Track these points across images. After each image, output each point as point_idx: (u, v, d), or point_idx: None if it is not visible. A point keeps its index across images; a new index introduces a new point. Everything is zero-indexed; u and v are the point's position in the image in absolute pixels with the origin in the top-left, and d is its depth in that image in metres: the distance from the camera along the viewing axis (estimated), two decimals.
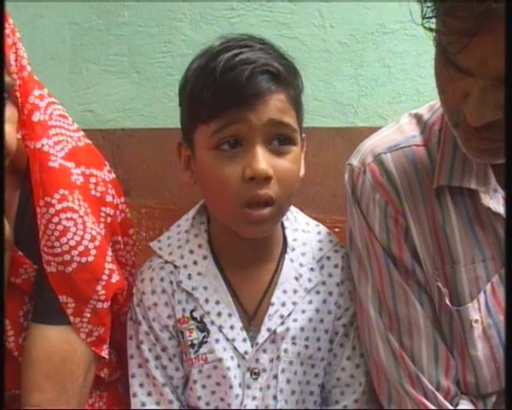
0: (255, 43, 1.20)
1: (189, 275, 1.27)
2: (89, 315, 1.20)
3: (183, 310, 1.26)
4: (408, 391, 1.17)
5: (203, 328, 1.25)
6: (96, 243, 1.19)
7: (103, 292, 1.20)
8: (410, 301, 1.18)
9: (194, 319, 1.26)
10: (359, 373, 1.28)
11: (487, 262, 1.16)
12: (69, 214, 1.16)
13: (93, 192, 1.22)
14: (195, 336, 1.25)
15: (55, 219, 1.15)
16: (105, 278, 1.20)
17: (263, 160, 1.15)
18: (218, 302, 1.26)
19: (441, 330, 1.19)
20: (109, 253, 1.23)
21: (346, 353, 1.28)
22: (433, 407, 1.16)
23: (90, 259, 1.18)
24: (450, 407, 1.16)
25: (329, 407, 1.29)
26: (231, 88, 1.14)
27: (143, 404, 1.26)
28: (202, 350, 1.25)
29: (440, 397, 1.16)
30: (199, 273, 1.27)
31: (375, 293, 1.21)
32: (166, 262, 1.29)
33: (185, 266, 1.27)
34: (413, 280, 1.19)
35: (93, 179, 1.23)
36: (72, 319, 1.19)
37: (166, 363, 1.26)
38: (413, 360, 1.18)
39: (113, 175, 1.29)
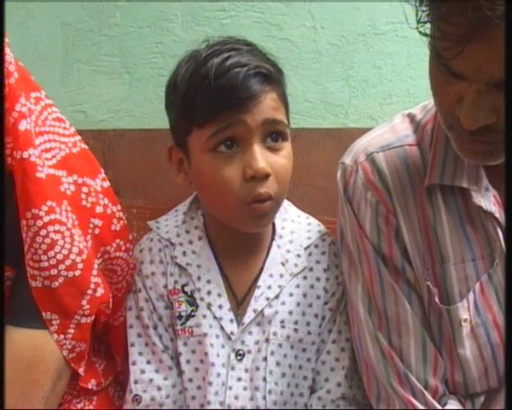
0: (242, 45, 1.24)
1: (184, 252, 1.31)
2: (73, 331, 1.18)
3: (175, 282, 1.30)
4: (396, 390, 1.18)
5: (192, 302, 1.28)
6: (84, 256, 1.17)
7: (88, 307, 1.18)
8: (399, 300, 1.19)
9: (184, 292, 1.29)
10: (343, 357, 1.29)
11: (477, 261, 1.16)
12: (57, 227, 1.14)
13: (83, 203, 1.20)
14: (184, 308, 1.28)
15: (43, 232, 1.12)
16: (90, 292, 1.18)
17: (261, 158, 1.18)
18: (209, 281, 1.29)
19: (430, 330, 1.19)
20: (95, 266, 1.20)
21: (331, 336, 1.30)
22: (421, 407, 1.16)
23: (77, 273, 1.16)
24: (439, 407, 1.17)
25: (315, 391, 1.30)
26: (226, 92, 1.17)
27: (143, 371, 1.28)
28: (189, 323, 1.27)
29: (428, 396, 1.17)
30: (193, 252, 1.31)
31: (365, 292, 1.22)
32: (163, 238, 1.33)
33: (181, 244, 1.32)
34: (403, 279, 1.19)
35: (85, 189, 1.21)
36: (55, 336, 1.17)
37: (162, 332, 1.29)
38: (401, 358, 1.18)
39: (107, 183, 1.26)
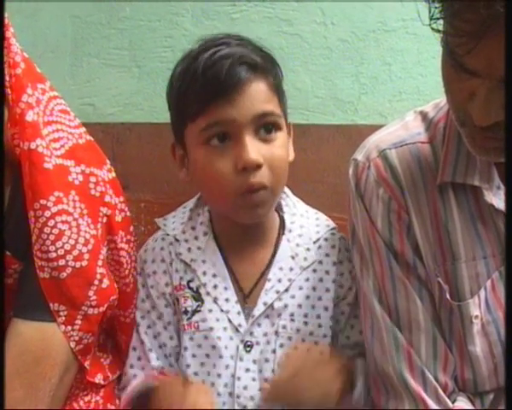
0: (232, 40, 1.26)
1: (189, 248, 1.33)
2: (80, 322, 1.18)
3: (181, 278, 1.31)
4: (408, 383, 1.17)
5: (198, 297, 1.30)
6: (90, 246, 1.18)
7: (94, 297, 1.19)
8: (410, 296, 1.18)
9: (190, 288, 1.30)
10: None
11: (488, 259, 1.16)
12: (64, 217, 1.15)
13: (92, 192, 1.21)
14: (190, 303, 1.30)
15: (51, 223, 1.13)
16: (96, 282, 1.19)
17: (252, 150, 1.20)
18: (214, 275, 1.30)
19: (440, 326, 1.19)
20: (101, 256, 1.21)
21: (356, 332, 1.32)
22: (430, 402, 1.16)
23: (84, 263, 1.17)
24: (450, 404, 1.16)
25: None
26: (212, 83, 1.20)
27: (131, 366, 1.32)
28: (195, 318, 1.29)
29: (441, 393, 1.16)
30: (198, 248, 1.33)
31: (376, 287, 1.21)
32: (168, 235, 1.35)
33: (186, 241, 1.34)
34: (414, 276, 1.19)
35: (93, 179, 1.22)
36: (63, 328, 1.17)
37: (161, 330, 1.31)
38: None
39: (112, 174, 1.28)
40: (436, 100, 1.26)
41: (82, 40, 1.74)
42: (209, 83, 1.20)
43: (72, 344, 1.19)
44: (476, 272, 1.16)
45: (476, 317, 1.16)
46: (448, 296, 1.17)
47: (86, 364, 1.23)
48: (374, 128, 1.30)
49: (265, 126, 1.23)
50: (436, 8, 0.98)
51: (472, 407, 1.19)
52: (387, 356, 1.20)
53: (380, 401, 1.23)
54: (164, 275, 1.32)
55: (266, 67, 1.26)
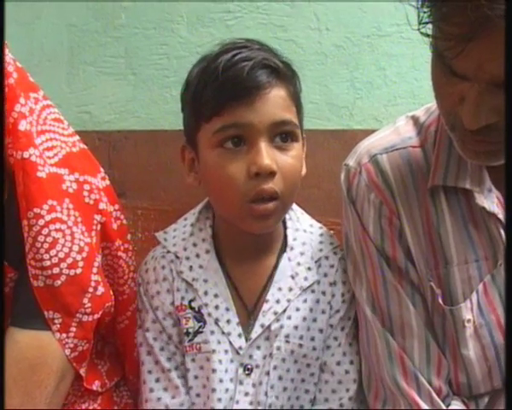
0: (253, 44, 1.24)
1: (191, 267, 1.30)
2: (75, 329, 1.18)
3: (182, 298, 1.28)
4: (402, 388, 1.17)
5: (200, 318, 1.27)
6: (84, 254, 1.18)
7: (89, 305, 1.18)
8: (402, 301, 1.19)
9: (192, 308, 1.28)
10: (347, 379, 1.27)
11: (480, 262, 1.16)
12: (58, 225, 1.14)
13: (86, 199, 1.21)
14: (191, 324, 1.27)
15: (45, 231, 1.13)
16: (91, 290, 1.18)
17: (267, 155, 1.17)
18: (216, 296, 1.28)
19: (433, 331, 1.19)
20: (96, 264, 1.21)
21: (336, 357, 1.28)
22: (425, 406, 1.16)
23: (78, 271, 1.17)
24: (444, 408, 1.17)
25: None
26: (232, 83, 1.17)
27: (151, 390, 1.27)
28: (197, 339, 1.26)
29: (435, 397, 1.16)
30: (200, 266, 1.29)
31: (369, 295, 1.21)
32: (169, 252, 1.32)
33: (187, 258, 1.30)
34: (406, 280, 1.19)
35: (87, 186, 1.21)
36: (58, 335, 1.17)
37: (174, 350, 1.29)
38: None
39: (107, 182, 1.27)
40: (428, 104, 1.27)
41: (78, 48, 1.75)
42: (229, 83, 1.17)
43: (68, 352, 1.18)
44: (468, 276, 1.16)
45: (469, 321, 1.16)
46: (440, 301, 1.17)
47: (82, 371, 1.23)
48: (369, 133, 1.31)
49: (282, 135, 1.20)
50: (425, 12, 0.98)
51: None
52: (381, 362, 1.20)
53: (376, 407, 1.23)
54: (168, 294, 1.29)
55: (287, 74, 1.23)
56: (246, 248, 1.30)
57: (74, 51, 1.75)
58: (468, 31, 0.90)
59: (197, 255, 1.31)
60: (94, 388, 1.30)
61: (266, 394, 1.25)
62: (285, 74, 1.23)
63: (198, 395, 1.27)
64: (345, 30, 1.67)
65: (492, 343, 1.17)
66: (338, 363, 1.28)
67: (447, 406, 1.18)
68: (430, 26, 0.99)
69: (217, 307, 1.27)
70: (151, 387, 1.28)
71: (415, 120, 1.26)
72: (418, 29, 0.99)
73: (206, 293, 1.28)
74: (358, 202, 1.22)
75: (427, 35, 0.99)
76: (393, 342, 1.19)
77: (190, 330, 1.27)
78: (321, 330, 1.28)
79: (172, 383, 1.27)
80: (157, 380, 1.28)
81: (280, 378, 1.26)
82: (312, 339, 1.28)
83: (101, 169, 1.29)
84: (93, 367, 1.31)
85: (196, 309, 1.27)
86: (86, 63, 1.74)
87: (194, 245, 1.32)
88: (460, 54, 0.93)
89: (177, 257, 1.31)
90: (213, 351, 1.25)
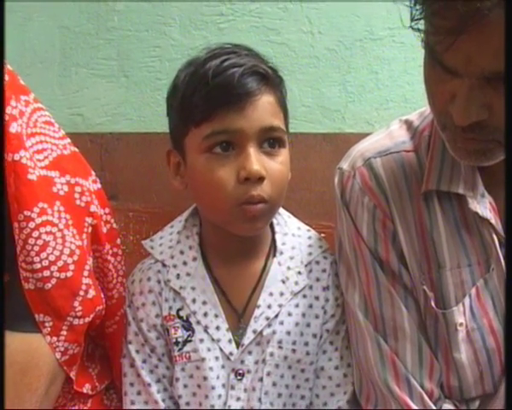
0: (241, 50, 1.24)
1: (178, 275, 1.29)
2: (65, 333, 1.18)
3: (170, 308, 1.28)
4: (393, 391, 1.18)
5: (188, 327, 1.27)
6: (75, 257, 1.18)
7: (80, 308, 1.18)
8: (395, 304, 1.19)
9: (180, 317, 1.27)
10: (345, 382, 1.28)
11: (473, 267, 1.17)
12: (48, 228, 1.14)
13: (78, 202, 1.21)
14: (180, 334, 1.27)
15: (35, 234, 1.13)
16: (82, 293, 1.18)
17: (256, 161, 1.17)
18: (204, 303, 1.27)
19: (426, 334, 1.20)
20: (87, 267, 1.20)
21: (333, 362, 1.29)
22: (416, 408, 1.16)
23: (69, 274, 1.16)
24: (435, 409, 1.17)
25: None
26: (223, 89, 1.17)
27: (132, 402, 1.28)
28: (186, 349, 1.26)
29: (427, 399, 1.17)
30: (187, 274, 1.29)
31: (362, 298, 1.22)
32: (156, 261, 1.32)
33: (175, 266, 1.30)
34: (399, 284, 1.20)
35: (78, 189, 1.21)
36: (48, 339, 1.17)
37: (156, 362, 1.28)
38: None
39: (98, 185, 1.27)
40: (421, 109, 1.27)
41: (70, 50, 1.74)
42: (219, 89, 1.17)
43: (58, 355, 1.18)
44: (461, 280, 1.17)
45: (461, 324, 1.16)
46: (433, 304, 1.17)
47: (72, 374, 1.22)
48: (361, 136, 1.31)
49: (270, 140, 1.21)
50: (417, 10, 0.99)
51: None
52: (372, 365, 1.20)
53: (369, 408, 1.23)
54: (153, 306, 1.29)
55: (275, 80, 1.24)
56: (233, 253, 1.30)
57: (66, 53, 1.74)
58: (458, 24, 0.91)
59: (184, 263, 1.30)
60: (84, 390, 1.29)
61: (260, 400, 1.25)
62: (273, 81, 1.23)
63: (188, 404, 1.27)
64: (337, 33, 1.67)
65: (484, 347, 1.17)
66: (336, 367, 1.28)
67: (439, 409, 1.18)
68: (422, 22, 1.00)
69: (205, 315, 1.27)
70: (132, 399, 1.29)
71: (408, 124, 1.26)
72: (410, 25, 1.00)
73: (194, 301, 1.27)
74: (352, 206, 1.22)
75: (419, 30, 1.00)
76: (385, 346, 1.19)
77: (179, 340, 1.27)
78: (314, 335, 1.28)
79: (152, 398, 1.27)
80: (138, 393, 1.28)
81: (274, 384, 1.26)
82: (306, 344, 1.28)
83: (93, 172, 1.29)
84: (84, 370, 1.30)
85: (184, 318, 1.27)
86: (78, 65, 1.74)
87: (181, 253, 1.31)
88: (450, 47, 0.94)
89: (165, 265, 1.31)
90: (203, 359, 1.25)
